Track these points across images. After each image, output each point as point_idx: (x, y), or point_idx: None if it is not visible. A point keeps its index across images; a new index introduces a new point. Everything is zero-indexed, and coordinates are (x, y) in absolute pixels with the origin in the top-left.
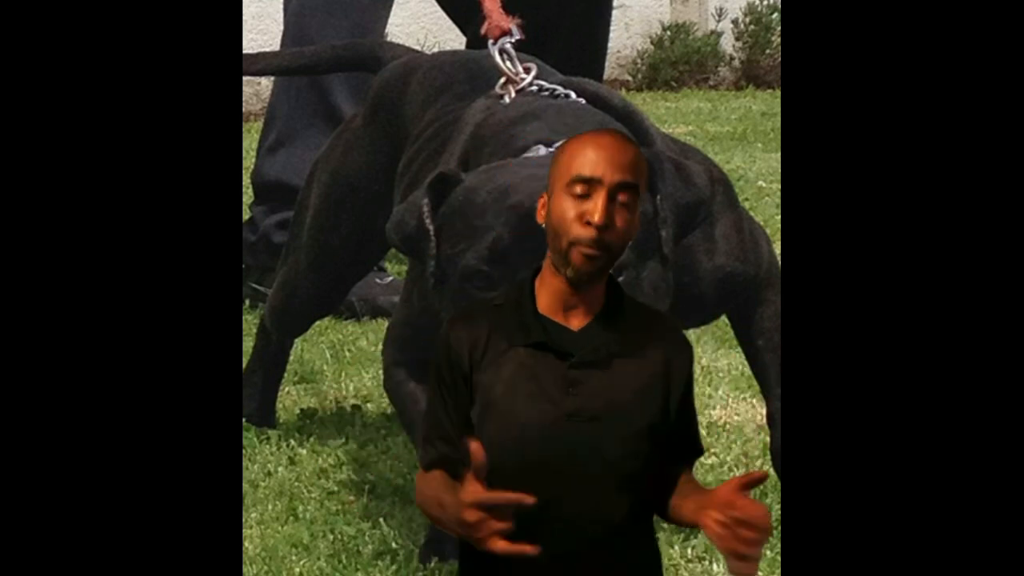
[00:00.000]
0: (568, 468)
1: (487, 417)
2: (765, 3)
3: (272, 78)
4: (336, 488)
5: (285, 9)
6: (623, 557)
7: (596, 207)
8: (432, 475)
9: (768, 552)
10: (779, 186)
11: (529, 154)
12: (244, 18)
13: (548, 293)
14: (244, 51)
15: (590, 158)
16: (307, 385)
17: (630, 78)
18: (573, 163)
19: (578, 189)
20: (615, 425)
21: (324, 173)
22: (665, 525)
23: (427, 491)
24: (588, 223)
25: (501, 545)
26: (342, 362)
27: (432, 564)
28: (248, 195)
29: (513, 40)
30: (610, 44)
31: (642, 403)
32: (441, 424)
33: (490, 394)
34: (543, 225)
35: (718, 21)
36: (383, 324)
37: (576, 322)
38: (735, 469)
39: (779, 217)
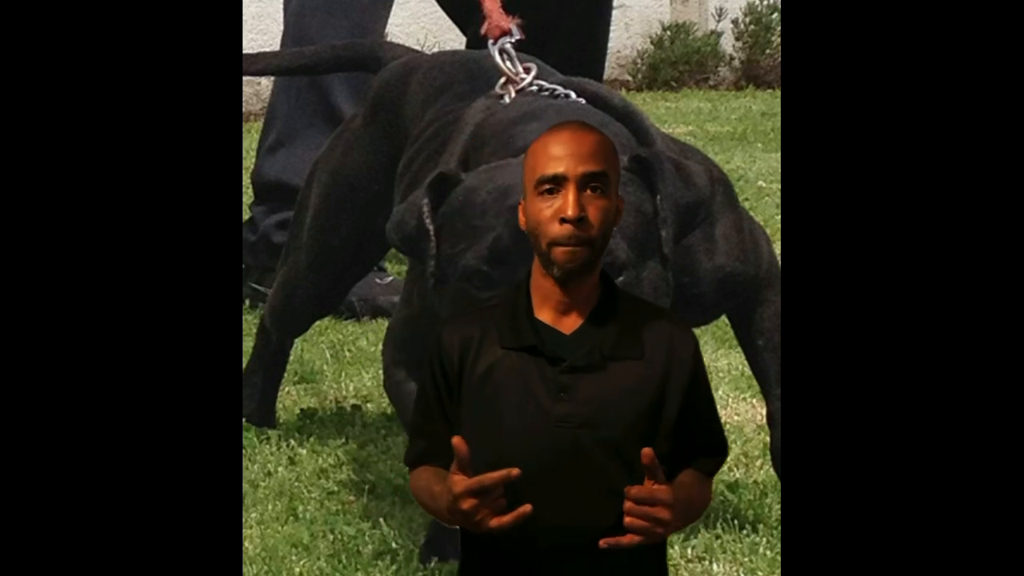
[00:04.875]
0: (556, 474)
1: (475, 420)
2: (765, 3)
3: (272, 78)
4: (336, 488)
5: (285, 9)
6: (616, 565)
7: (567, 203)
8: (420, 471)
9: (768, 552)
10: (779, 186)
11: None
12: (244, 18)
13: (540, 295)
14: (244, 51)
15: (552, 155)
16: (307, 385)
17: (630, 78)
18: (538, 164)
19: (547, 187)
20: (605, 430)
21: (324, 173)
22: None
23: (419, 484)
24: (563, 220)
25: (499, 522)
26: (342, 362)
27: (432, 564)
28: (248, 195)
29: (513, 40)
30: (610, 44)
31: (636, 407)
32: (428, 422)
33: (479, 397)
34: (526, 230)
35: (718, 21)
36: (383, 324)
37: (569, 324)
38: (735, 469)
39: (779, 217)
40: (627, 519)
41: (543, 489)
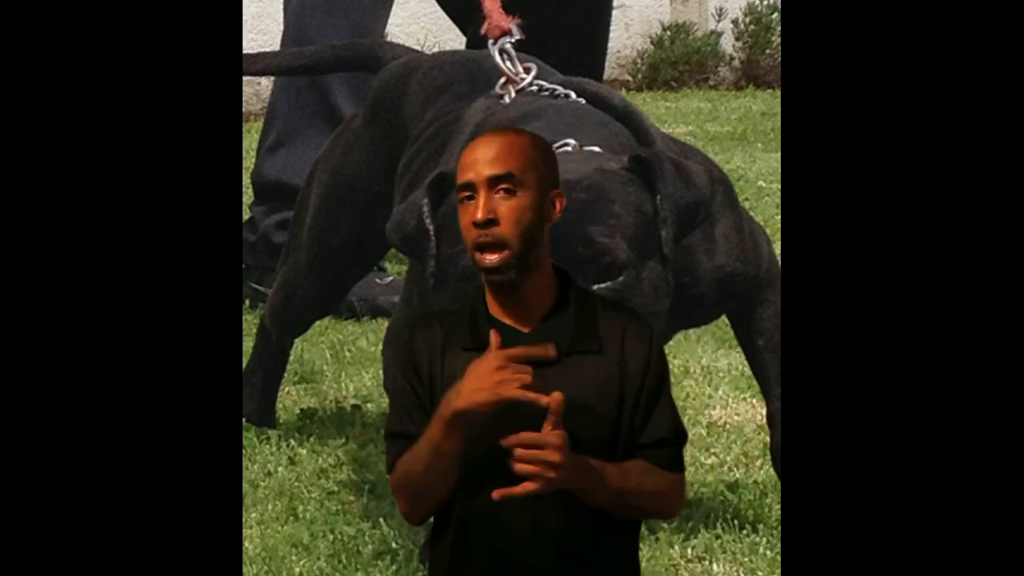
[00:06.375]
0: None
1: None
2: (765, 3)
3: (272, 78)
4: (336, 488)
5: (285, 9)
6: (589, 561)
7: (476, 207)
8: (403, 458)
9: (768, 552)
10: (779, 186)
11: None
12: (244, 18)
13: (494, 298)
14: (244, 51)
15: (464, 164)
16: (307, 385)
17: (630, 78)
18: (458, 175)
19: (465, 196)
20: (567, 425)
21: (324, 173)
22: (665, 525)
23: (402, 464)
24: (475, 224)
25: (524, 394)
26: (342, 362)
27: None
28: (248, 195)
29: (513, 40)
30: (610, 44)
31: (597, 402)
32: (407, 424)
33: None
34: None
35: (718, 21)
36: (383, 324)
37: (527, 324)
38: (735, 469)
39: (779, 217)
40: (516, 464)
41: (509, 485)
